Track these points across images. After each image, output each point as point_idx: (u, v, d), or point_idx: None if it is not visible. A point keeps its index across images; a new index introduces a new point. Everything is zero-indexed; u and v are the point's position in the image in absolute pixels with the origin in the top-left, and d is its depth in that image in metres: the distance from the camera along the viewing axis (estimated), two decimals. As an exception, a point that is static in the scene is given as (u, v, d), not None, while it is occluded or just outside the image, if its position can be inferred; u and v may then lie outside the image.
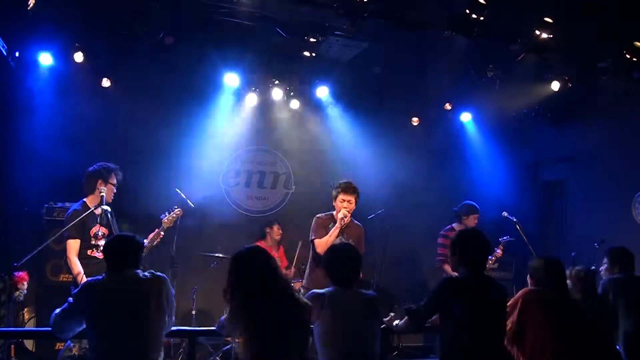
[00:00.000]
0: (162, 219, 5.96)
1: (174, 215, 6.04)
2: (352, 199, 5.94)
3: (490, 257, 6.62)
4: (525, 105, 9.07)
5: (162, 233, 5.91)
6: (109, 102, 7.89)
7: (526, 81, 8.22)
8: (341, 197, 5.94)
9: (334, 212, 6.01)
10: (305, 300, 3.72)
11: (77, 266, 5.36)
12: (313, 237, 5.97)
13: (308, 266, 6.12)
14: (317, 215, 6.10)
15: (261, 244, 7.69)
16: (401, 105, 9.13)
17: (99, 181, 5.65)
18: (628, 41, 6.96)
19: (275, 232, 8.37)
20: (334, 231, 5.82)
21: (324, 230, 5.93)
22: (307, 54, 7.40)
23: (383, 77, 8.66)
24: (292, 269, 8.11)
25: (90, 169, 5.77)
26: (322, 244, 5.80)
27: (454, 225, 7.31)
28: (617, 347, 4.61)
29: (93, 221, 5.57)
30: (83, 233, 5.50)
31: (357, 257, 4.05)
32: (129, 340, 3.53)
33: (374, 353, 3.87)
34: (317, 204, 6.32)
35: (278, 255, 8.29)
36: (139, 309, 3.60)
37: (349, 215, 5.89)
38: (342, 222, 5.81)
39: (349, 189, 5.97)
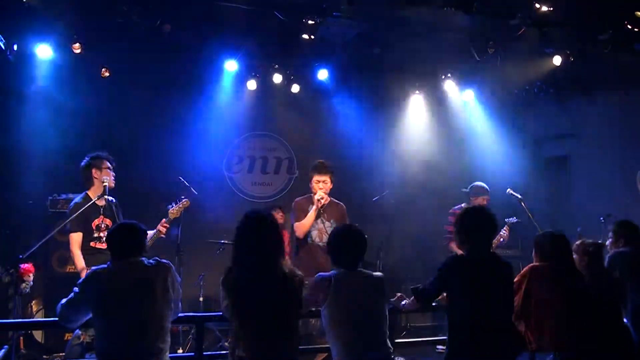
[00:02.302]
0: (168, 209, 5.96)
1: (181, 206, 6.03)
2: (327, 179, 5.81)
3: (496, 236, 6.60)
4: (527, 82, 9.00)
5: (167, 225, 5.86)
6: (109, 91, 7.88)
7: (527, 57, 8.14)
8: (315, 178, 5.82)
9: (312, 194, 5.89)
10: (297, 273, 3.77)
11: (80, 261, 5.34)
12: (292, 222, 5.87)
13: (292, 252, 6.02)
14: (296, 200, 6.00)
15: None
16: (402, 85, 9.07)
17: (93, 170, 5.59)
18: (629, 12, 6.88)
19: (277, 218, 8.36)
20: (311, 214, 5.72)
21: (302, 214, 5.81)
22: (306, 36, 7.34)
23: (383, 57, 8.59)
24: None
25: (82, 163, 5.69)
26: (299, 227, 5.74)
27: (463, 205, 7.28)
28: (625, 320, 4.60)
29: (95, 213, 5.53)
30: (85, 226, 5.46)
31: (361, 238, 4.04)
32: (135, 327, 3.53)
33: (382, 333, 3.87)
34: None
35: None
36: (144, 296, 3.60)
37: (326, 195, 5.76)
38: (319, 204, 5.70)
39: (321, 168, 5.84)
